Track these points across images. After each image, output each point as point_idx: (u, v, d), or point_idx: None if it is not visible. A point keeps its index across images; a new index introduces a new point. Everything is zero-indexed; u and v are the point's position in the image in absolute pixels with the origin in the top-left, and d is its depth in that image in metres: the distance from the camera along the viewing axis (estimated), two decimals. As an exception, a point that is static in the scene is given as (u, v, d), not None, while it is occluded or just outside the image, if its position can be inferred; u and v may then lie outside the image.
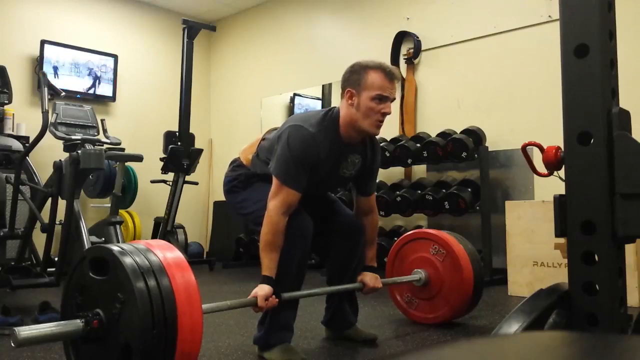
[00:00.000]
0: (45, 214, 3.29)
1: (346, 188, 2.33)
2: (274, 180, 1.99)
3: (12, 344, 1.31)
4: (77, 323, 1.39)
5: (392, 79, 2.01)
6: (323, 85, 5.67)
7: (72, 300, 1.51)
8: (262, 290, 1.88)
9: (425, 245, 2.58)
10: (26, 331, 1.32)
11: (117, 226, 4.05)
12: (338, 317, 2.32)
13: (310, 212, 2.12)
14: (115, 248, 1.47)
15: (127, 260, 1.41)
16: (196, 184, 5.43)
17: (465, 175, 4.28)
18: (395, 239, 4.33)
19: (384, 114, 2.01)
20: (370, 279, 2.23)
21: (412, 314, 2.63)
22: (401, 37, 4.89)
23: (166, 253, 1.51)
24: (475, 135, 4.13)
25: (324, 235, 2.23)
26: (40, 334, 1.39)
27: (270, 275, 1.92)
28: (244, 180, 2.20)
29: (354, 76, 2.01)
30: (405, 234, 2.72)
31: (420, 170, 4.70)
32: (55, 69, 5.34)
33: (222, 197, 6.80)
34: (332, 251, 2.29)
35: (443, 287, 2.50)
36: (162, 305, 1.36)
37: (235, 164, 2.28)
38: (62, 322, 1.44)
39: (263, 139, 2.19)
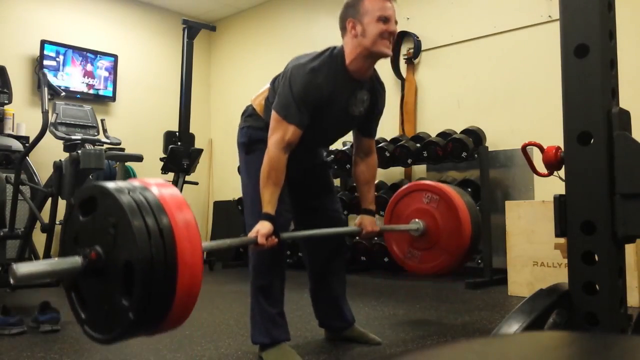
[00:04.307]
0: (45, 214, 3.29)
1: (355, 126, 2.25)
2: (273, 115, 1.95)
3: (11, 281, 1.30)
4: (75, 259, 1.37)
5: None
6: (323, 85, 5.67)
7: (70, 254, 1.49)
8: (263, 227, 1.81)
9: (418, 197, 2.49)
10: (25, 267, 1.30)
11: (117, 226, 4.03)
12: (336, 319, 2.31)
13: (300, 200, 2.13)
14: (100, 184, 1.44)
15: (111, 186, 1.38)
16: (196, 184, 5.43)
17: (465, 175, 4.28)
18: (395, 239, 4.36)
19: (391, 34, 1.97)
20: (369, 222, 2.19)
21: (411, 265, 2.53)
22: (401, 37, 4.89)
23: (152, 182, 1.47)
24: (475, 135, 4.13)
25: (306, 225, 2.23)
26: (39, 271, 1.38)
27: (271, 212, 1.87)
28: (248, 142, 2.15)
29: (350, 9, 2.00)
30: (397, 192, 2.60)
31: (420, 170, 4.70)
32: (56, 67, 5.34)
33: (222, 197, 6.78)
34: (313, 246, 2.28)
35: (441, 235, 2.41)
36: (153, 215, 1.32)
37: (247, 114, 2.22)
38: (60, 259, 1.42)
39: (273, 82, 2.14)
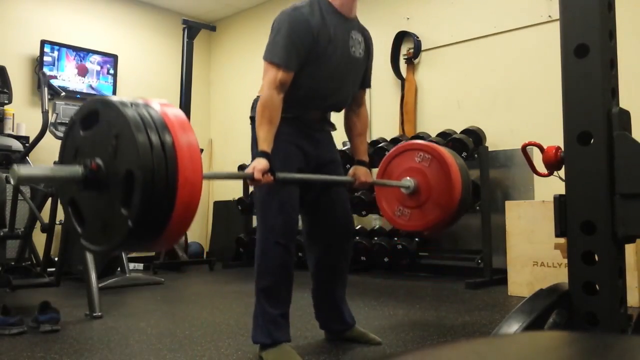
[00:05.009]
0: (45, 214, 3.29)
1: (361, 73, 2.23)
2: (264, 64, 2.00)
3: (11, 181, 1.31)
4: (75, 168, 1.36)
5: None
6: (323, 85, 5.67)
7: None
8: (259, 163, 1.84)
9: (410, 156, 2.47)
10: (26, 170, 1.32)
11: (117, 226, 4.03)
12: (337, 321, 2.30)
13: (311, 199, 2.12)
14: (103, 97, 1.45)
15: (114, 99, 1.38)
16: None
17: (465, 175, 4.28)
18: (396, 239, 4.36)
19: None
20: (362, 173, 2.22)
21: (400, 223, 2.50)
22: (401, 37, 4.89)
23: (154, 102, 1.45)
24: (475, 135, 4.13)
25: (316, 227, 2.23)
26: (39, 174, 1.46)
27: (267, 150, 1.90)
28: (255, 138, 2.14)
29: None
30: (390, 151, 2.57)
31: (420, 170, 4.70)
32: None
33: (222, 197, 6.78)
34: (319, 248, 2.25)
35: (432, 192, 2.38)
36: (156, 129, 1.31)
37: (253, 106, 2.22)
38: (60, 166, 1.43)
39: None
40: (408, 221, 2.45)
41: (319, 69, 2.02)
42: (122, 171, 1.32)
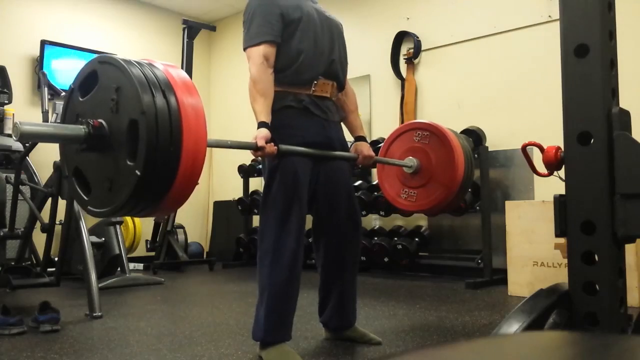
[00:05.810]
0: (45, 214, 3.29)
1: (342, 37, 2.31)
2: (246, 52, 2.07)
3: (14, 137, 1.31)
4: (78, 127, 1.36)
5: None
6: (323, 85, 5.66)
7: None
8: (260, 132, 1.88)
9: (409, 137, 2.48)
10: (29, 126, 1.33)
11: (117, 226, 4.05)
12: (337, 317, 2.30)
13: (319, 204, 2.13)
14: (98, 57, 1.45)
15: (115, 57, 1.39)
16: (196, 183, 5.42)
17: (465, 175, 4.28)
18: (396, 239, 4.36)
19: None
20: (365, 147, 2.24)
21: (405, 204, 2.49)
22: (401, 37, 4.90)
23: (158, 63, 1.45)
24: (475, 135, 4.13)
25: (322, 220, 2.23)
26: (42, 131, 1.44)
27: (266, 121, 1.93)
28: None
29: None
30: (389, 136, 2.57)
31: (420, 170, 4.70)
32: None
33: (222, 197, 6.77)
34: (326, 241, 2.24)
35: (436, 169, 2.38)
36: (155, 77, 1.33)
37: None
38: (64, 125, 1.42)
39: None
40: (415, 201, 2.46)
41: (304, 31, 2.09)
42: (125, 123, 1.31)
